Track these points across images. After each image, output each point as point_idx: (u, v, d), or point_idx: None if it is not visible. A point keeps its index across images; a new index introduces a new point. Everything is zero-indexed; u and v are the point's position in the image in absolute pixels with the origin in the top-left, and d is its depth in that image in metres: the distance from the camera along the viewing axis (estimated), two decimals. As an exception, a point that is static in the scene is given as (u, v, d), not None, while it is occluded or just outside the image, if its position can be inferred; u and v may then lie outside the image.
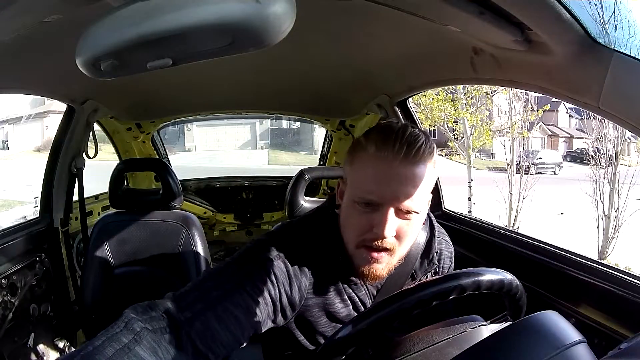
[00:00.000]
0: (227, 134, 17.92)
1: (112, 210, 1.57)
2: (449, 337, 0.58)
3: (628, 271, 0.91)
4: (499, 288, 0.60)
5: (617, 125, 3.19)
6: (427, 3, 0.75)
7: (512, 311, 0.65)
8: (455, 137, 7.78)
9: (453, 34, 0.86)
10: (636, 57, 0.63)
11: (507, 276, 0.61)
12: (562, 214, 8.85)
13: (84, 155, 1.71)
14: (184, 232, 1.47)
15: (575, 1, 0.61)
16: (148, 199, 1.54)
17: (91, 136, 1.74)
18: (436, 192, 1.57)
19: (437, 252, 0.82)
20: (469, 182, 7.17)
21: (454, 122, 7.51)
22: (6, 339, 1.29)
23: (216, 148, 16.93)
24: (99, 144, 1.83)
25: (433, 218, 0.83)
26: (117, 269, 1.46)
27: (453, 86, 6.74)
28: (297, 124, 13.86)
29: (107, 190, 1.52)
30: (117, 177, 1.50)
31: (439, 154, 0.69)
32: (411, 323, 0.63)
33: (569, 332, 0.45)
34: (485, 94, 7.30)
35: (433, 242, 0.81)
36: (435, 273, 0.84)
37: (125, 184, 2.24)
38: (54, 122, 12.45)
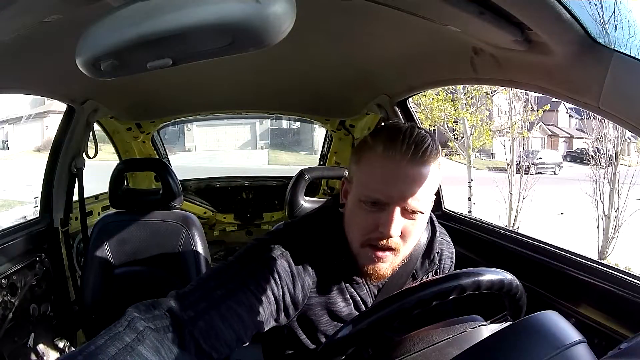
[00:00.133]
0: (227, 134, 17.91)
1: (112, 210, 1.57)
2: (449, 337, 0.58)
3: (628, 271, 0.91)
4: (499, 288, 0.60)
5: (617, 125, 3.19)
6: (427, 3, 0.75)
7: (512, 311, 0.65)
8: (455, 137, 7.77)
9: (453, 34, 0.86)
10: (636, 57, 0.63)
11: (507, 276, 0.61)
12: (562, 214, 8.84)
13: (84, 155, 1.71)
14: (184, 232, 1.47)
15: (575, 1, 0.61)
16: (148, 199, 1.54)
17: (91, 136, 1.74)
18: (436, 192, 1.56)
19: (438, 253, 0.83)
20: (469, 182, 7.16)
21: (454, 122, 7.50)
22: (6, 339, 1.29)
23: (216, 148, 16.92)
24: (99, 144, 1.83)
25: (434, 218, 0.84)
26: (117, 269, 1.46)
27: (453, 86, 6.74)
28: (297, 124, 13.87)
29: (107, 190, 1.52)
30: (117, 177, 1.50)
31: None
32: (411, 323, 0.63)
33: (569, 332, 0.45)
34: (485, 94, 7.29)
35: (434, 242, 0.81)
36: (436, 273, 0.84)
37: (125, 184, 2.24)
38: (54, 122, 12.45)
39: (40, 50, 1.00)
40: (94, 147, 1.77)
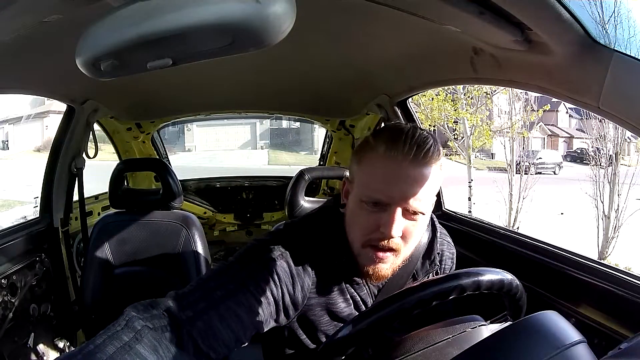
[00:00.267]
0: (227, 134, 17.91)
1: (112, 210, 1.57)
2: (449, 337, 0.58)
3: (628, 271, 0.91)
4: (499, 288, 0.60)
5: (617, 125, 3.19)
6: (427, 3, 0.75)
7: (512, 311, 0.65)
8: (455, 137, 7.78)
9: (453, 34, 0.86)
10: (636, 57, 0.63)
11: (507, 276, 0.61)
12: (562, 214, 8.84)
13: (84, 155, 1.71)
14: (184, 232, 1.47)
15: (575, 1, 0.61)
16: (148, 199, 1.54)
17: (91, 136, 1.74)
18: (437, 192, 1.56)
19: (438, 253, 0.83)
20: (469, 182, 7.16)
21: (454, 122, 7.50)
22: (6, 339, 1.29)
23: (216, 148, 16.92)
24: (99, 144, 1.83)
25: (435, 219, 0.84)
26: (117, 269, 1.46)
27: (453, 86, 6.74)
28: (297, 124, 13.86)
29: (107, 190, 1.52)
30: (117, 177, 1.50)
31: None
32: (411, 323, 0.63)
33: (569, 332, 0.45)
34: (485, 94, 7.29)
35: (435, 242, 0.81)
36: (437, 274, 0.84)
37: (125, 184, 2.24)
38: (54, 122, 12.45)
39: (40, 50, 1.00)
40: (94, 147, 1.77)
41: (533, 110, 7.68)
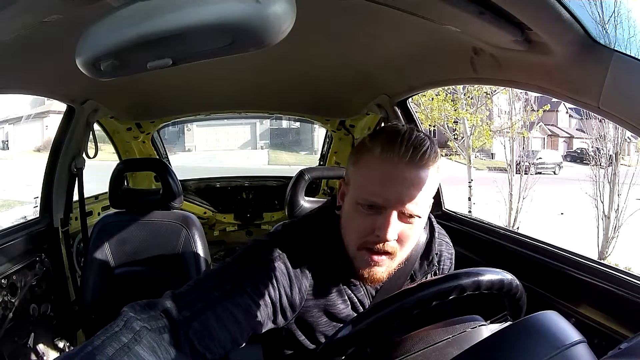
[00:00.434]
0: (227, 134, 17.91)
1: (112, 210, 1.57)
2: (449, 337, 0.58)
3: (628, 271, 0.91)
4: (499, 288, 0.60)
5: (617, 125, 3.19)
6: (427, 3, 0.75)
7: (512, 311, 0.65)
8: (455, 137, 7.78)
9: (453, 34, 0.86)
10: (636, 57, 0.63)
11: (507, 276, 0.61)
12: (562, 214, 8.84)
13: (84, 155, 1.71)
14: (184, 232, 1.47)
15: (575, 1, 0.61)
16: (148, 199, 1.54)
17: (91, 136, 1.74)
18: (436, 192, 1.57)
19: (437, 254, 0.82)
20: (469, 182, 7.16)
21: (454, 122, 7.51)
22: (6, 339, 1.29)
23: (216, 148, 16.92)
24: (99, 144, 1.83)
25: (433, 219, 0.83)
26: (117, 269, 1.46)
27: (453, 86, 6.74)
28: (297, 124, 13.85)
29: (107, 190, 1.52)
30: (117, 177, 1.50)
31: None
32: (411, 323, 0.63)
33: (569, 332, 0.45)
34: (485, 94, 7.30)
35: (433, 243, 0.81)
36: (435, 274, 0.84)
37: (125, 184, 2.24)
38: (54, 122, 12.45)
39: (40, 50, 1.00)
40: (94, 147, 1.77)
41: (533, 110, 7.68)
